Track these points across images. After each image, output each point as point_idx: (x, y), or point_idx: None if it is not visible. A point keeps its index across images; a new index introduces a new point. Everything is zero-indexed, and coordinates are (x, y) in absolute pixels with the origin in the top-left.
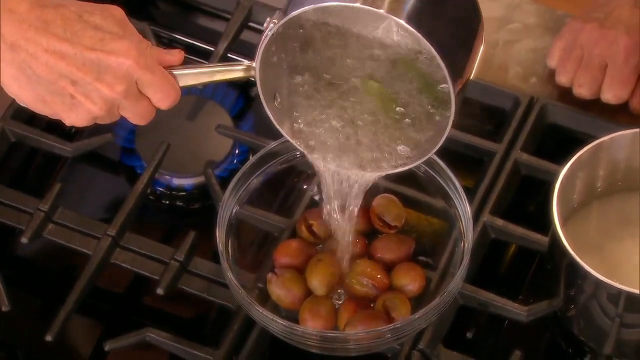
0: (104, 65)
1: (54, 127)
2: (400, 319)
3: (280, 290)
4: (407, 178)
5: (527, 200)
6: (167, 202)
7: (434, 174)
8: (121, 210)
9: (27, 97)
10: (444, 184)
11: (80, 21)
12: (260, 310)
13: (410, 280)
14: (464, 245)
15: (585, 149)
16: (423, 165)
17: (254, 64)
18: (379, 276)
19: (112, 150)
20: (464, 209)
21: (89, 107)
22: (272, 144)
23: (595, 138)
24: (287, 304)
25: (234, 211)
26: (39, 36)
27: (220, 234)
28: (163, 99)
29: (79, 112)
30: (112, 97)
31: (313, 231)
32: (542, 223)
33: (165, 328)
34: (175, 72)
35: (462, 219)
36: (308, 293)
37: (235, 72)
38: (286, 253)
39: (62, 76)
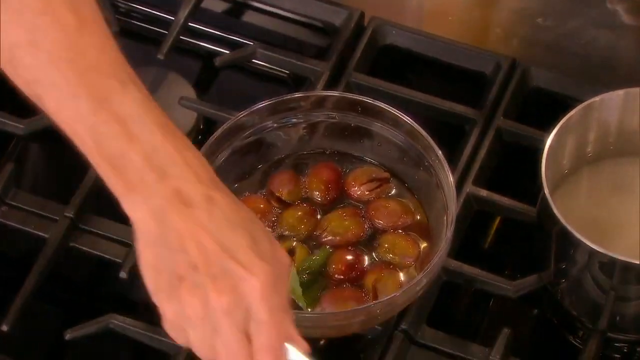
0: (229, 270)
1: (5, 103)
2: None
3: None
4: (385, 148)
5: (511, 169)
6: None
7: (413, 143)
8: (79, 190)
9: (145, 256)
10: (424, 154)
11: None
12: None
13: (408, 250)
14: (447, 218)
15: (574, 110)
16: (402, 134)
17: None
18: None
19: None
20: (447, 179)
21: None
22: (238, 116)
23: (581, 101)
24: None
25: None
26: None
27: None
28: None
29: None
30: (213, 308)
31: (283, 200)
32: (529, 192)
33: (129, 314)
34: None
35: (445, 190)
36: None
37: None
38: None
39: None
